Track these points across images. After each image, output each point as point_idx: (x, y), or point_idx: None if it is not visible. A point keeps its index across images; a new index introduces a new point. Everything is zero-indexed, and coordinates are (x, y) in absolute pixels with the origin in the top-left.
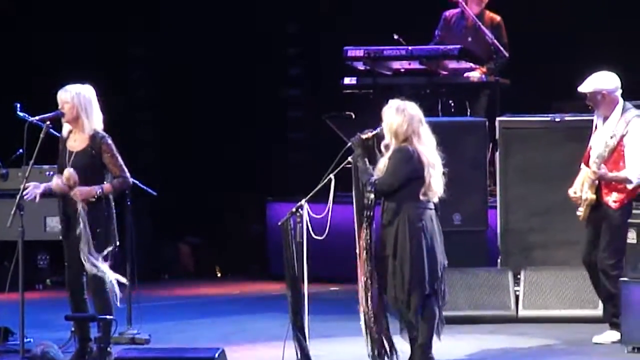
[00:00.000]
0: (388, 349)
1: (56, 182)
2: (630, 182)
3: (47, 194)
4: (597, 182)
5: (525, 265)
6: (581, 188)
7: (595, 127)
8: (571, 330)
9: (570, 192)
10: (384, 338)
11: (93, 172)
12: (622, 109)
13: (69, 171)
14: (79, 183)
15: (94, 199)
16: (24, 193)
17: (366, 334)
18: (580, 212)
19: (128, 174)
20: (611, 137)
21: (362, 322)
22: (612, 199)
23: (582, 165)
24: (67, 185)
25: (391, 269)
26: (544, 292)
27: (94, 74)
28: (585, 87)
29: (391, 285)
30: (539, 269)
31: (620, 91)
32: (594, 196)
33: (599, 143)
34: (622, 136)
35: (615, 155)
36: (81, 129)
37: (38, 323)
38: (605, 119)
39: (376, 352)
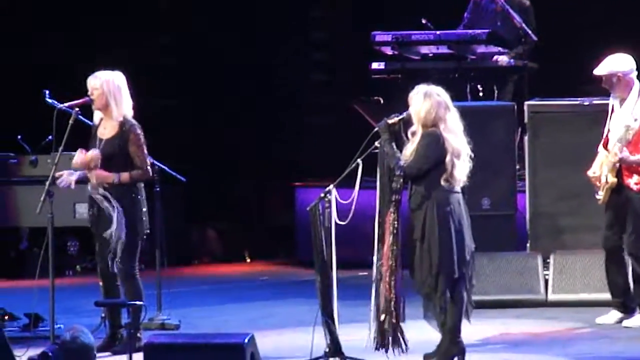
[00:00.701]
0: (400, 337)
1: (77, 157)
2: None
3: (81, 181)
4: (617, 165)
5: (555, 250)
6: (600, 170)
7: (612, 110)
8: (601, 314)
9: (590, 172)
10: (399, 325)
11: (120, 159)
12: (639, 91)
13: (94, 152)
14: (104, 168)
15: (115, 185)
16: (59, 181)
17: (378, 320)
18: (600, 196)
19: (149, 167)
20: (635, 120)
21: (372, 308)
22: (634, 181)
23: (600, 149)
24: (88, 165)
25: (419, 252)
26: (573, 276)
27: (125, 60)
28: (601, 69)
29: (418, 269)
30: (568, 253)
31: (635, 73)
32: (615, 179)
33: (617, 126)
34: (636, 119)
35: (635, 138)
36: (110, 115)
37: (68, 309)
38: (622, 101)
39: (387, 341)
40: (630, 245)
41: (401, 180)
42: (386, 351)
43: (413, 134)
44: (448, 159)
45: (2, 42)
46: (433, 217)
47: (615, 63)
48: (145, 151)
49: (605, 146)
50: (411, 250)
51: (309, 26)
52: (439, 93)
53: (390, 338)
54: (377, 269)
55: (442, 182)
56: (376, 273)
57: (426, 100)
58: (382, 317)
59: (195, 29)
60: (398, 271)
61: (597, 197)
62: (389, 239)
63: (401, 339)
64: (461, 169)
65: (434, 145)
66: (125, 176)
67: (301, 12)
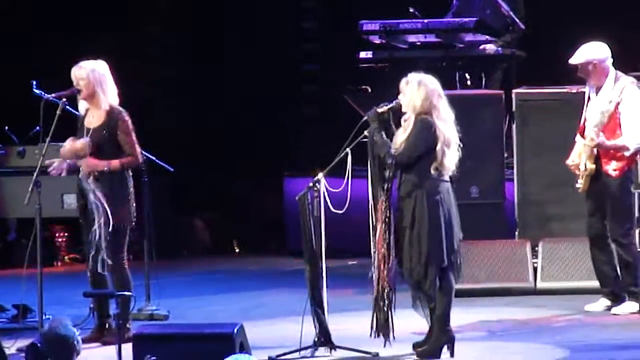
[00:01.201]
0: (391, 326)
1: (65, 146)
2: (628, 149)
3: (72, 170)
4: (595, 152)
5: (543, 237)
6: (579, 158)
7: (588, 99)
8: (590, 301)
9: (569, 161)
10: (390, 313)
11: (109, 147)
12: (614, 78)
13: (83, 142)
14: (94, 157)
15: (103, 173)
16: (50, 168)
17: (380, 308)
18: (580, 184)
19: (139, 153)
20: (609, 102)
21: (377, 297)
22: (612, 167)
23: (577, 138)
24: (77, 154)
25: (407, 240)
26: (562, 263)
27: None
28: (576, 58)
29: (407, 257)
30: (557, 240)
31: (611, 60)
32: (593, 166)
33: (594, 113)
34: (617, 103)
35: (611, 124)
36: (97, 105)
37: (57, 300)
38: (598, 89)
39: (385, 327)
40: (612, 231)
41: (393, 168)
42: (385, 340)
43: (405, 121)
44: (439, 147)
45: None
46: (423, 205)
47: (591, 51)
48: (134, 138)
49: (582, 134)
50: (400, 239)
51: (299, 17)
52: (432, 81)
53: (383, 327)
54: (374, 257)
55: (432, 171)
56: (373, 262)
57: (420, 89)
58: (379, 306)
59: (183, 19)
60: (391, 260)
61: (577, 185)
62: (381, 227)
63: (391, 327)
64: (451, 157)
65: (425, 132)
66: (115, 163)
67: (292, 3)
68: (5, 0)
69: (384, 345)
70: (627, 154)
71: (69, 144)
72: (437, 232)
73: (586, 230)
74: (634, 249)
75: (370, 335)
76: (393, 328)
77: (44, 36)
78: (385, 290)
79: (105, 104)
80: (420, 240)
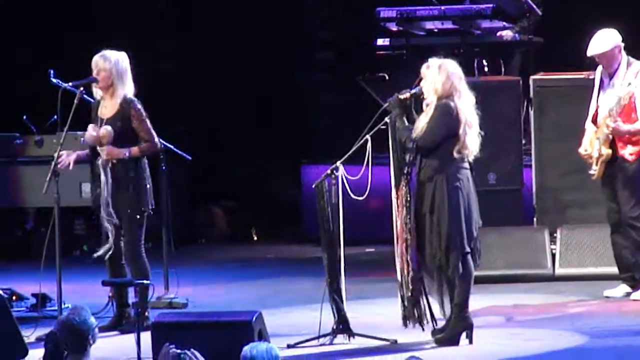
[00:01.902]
0: (427, 311)
1: (90, 133)
2: None
3: (81, 161)
4: (610, 137)
5: (561, 224)
6: (591, 146)
7: (601, 84)
8: (609, 287)
9: (581, 150)
10: (422, 299)
11: (124, 137)
12: (627, 62)
13: (106, 129)
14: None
15: (123, 160)
16: (58, 161)
17: (403, 296)
18: (595, 170)
19: (156, 139)
20: (628, 86)
21: (399, 283)
22: (628, 152)
23: (588, 124)
24: (99, 140)
25: (428, 225)
26: (580, 250)
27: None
28: (603, 46)
29: (428, 242)
30: (575, 227)
31: (622, 44)
32: (609, 151)
33: (608, 99)
34: (630, 86)
35: (626, 108)
36: (113, 95)
37: (75, 289)
38: (611, 75)
39: (414, 314)
40: (626, 215)
41: (414, 153)
42: (413, 325)
43: (428, 105)
44: (461, 129)
45: (6, 23)
46: (443, 191)
47: (614, 36)
48: (149, 124)
49: (594, 121)
50: (420, 224)
51: (315, 5)
52: (453, 65)
53: (414, 313)
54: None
55: (455, 154)
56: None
57: (442, 72)
58: (403, 292)
59: (197, 7)
60: (414, 245)
61: (591, 172)
62: (402, 212)
63: (427, 312)
64: (473, 139)
65: (447, 117)
66: (135, 150)
67: None
68: None
69: (423, 330)
70: None
71: (93, 130)
72: (457, 218)
73: (607, 216)
74: None
75: (404, 324)
76: (431, 312)
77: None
78: (410, 275)
79: (120, 96)
80: (440, 225)
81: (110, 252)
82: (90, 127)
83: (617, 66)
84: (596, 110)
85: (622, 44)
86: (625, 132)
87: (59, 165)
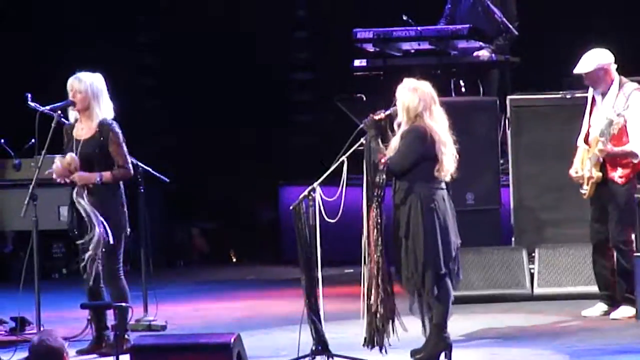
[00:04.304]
0: (391, 332)
1: (56, 165)
2: (636, 156)
3: (65, 184)
4: (601, 159)
5: (540, 243)
6: (582, 167)
7: (592, 104)
8: (587, 306)
9: (572, 172)
10: (392, 320)
11: (100, 159)
12: (619, 83)
13: (71, 156)
14: (84, 170)
15: (96, 185)
16: (54, 176)
17: (369, 317)
18: (585, 190)
19: (130, 165)
20: (618, 115)
21: (364, 305)
22: (618, 174)
23: (580, 143)
24: (68, 169)
25: (404, 249)
26: (558, 269)
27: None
28: (586, 66)
29: (405, 266)
30: (553, 246)
31: (615, 65)
32: (600, 174)
33: (600, 120)
34: (623, 111)
35: (620, 133)
36: (90, 117)
37: (54, 312)
38: (603, 94)
39: (378, 337)
40: (614, 238)
41: (384, 175)
42: (380, 348)
43: (399, 125)
44: (437, 148)
45: None
46: (417, 213)
47: (600, 57)
48: (125, 149)
49: (586, 141)
50: (396, 247)
51: (292, 25)
52: (426, 86)
53: (382, 334)
54: (367, 266)
55: (435, 173)
56: (365, 271)
57: (412, 92)
58: (373, 314)
59: (177, 27)
60: (385, 267)
61: (582, 191)
62: (373, 235)
63: (391, 332)
64: (449, 159)
65: (418, 141)
66: (107, 175)
67: (285, 12)
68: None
69: (384, 351)
70: (635, 161)
71: (57, 164)
72: (433, 240)
73: (590, 235)
74: (633, 256)
75: (364, 345)
76: (389, 335)
77: (39, 48)
78: (380, 297)
79: (97, 117)
80: (416, 248)
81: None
82: (57, 158)
83: (609, 87)
84: (588, 130)
85: (612, 65)
86: (618, 154)
87: (58, 180)
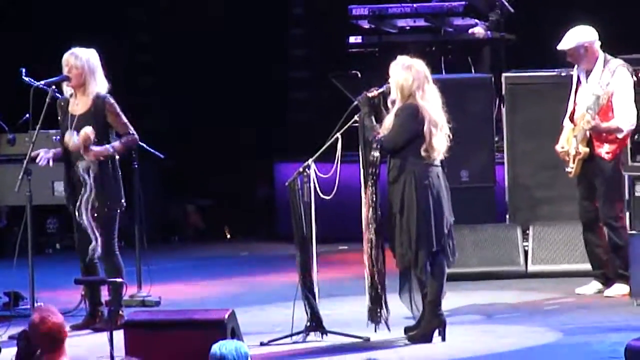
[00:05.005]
0: (386, 310)
1: (73, 141)
2: (622, 130)
3: (57, 159)
4: (588, 135)
5: (534, 221)
6: (568, 144)
7: (578, 83)
8: (580, 284)
9: (558, 147)
10: (384, 298)
11: (98, 133)
12: (604, 60)
13: (86, 131)
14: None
15: (101, 159)
16: (38, 159)
17: (370, 295)
18: (572, 168)
19: (134, 131)
20: (606, 85)
21: (366, 282)
22: (605, 150)
23: (566, 122)
24: (84, 144)
25: (398, 226)
26: (552, 247)
27: (98, 38)
28: (567, 43)
29: (398, 243)
30: (547, 224)
31: (599, 43)
32: (587, 149)
33: (585, 97)
34: (608, 84)
35: (604, 107)
36: (85, 92)
37: (48, 287)
38: (588, 72)
39: (376, 314)
40: (604, 215)
41: (378, 153)
42: (377, 324)
43: (392, 102)
44: (426, 127)
45: None
46: (411, 190)
47: (581, 34)
48: (124, 118)
49: (572, 119)
50: (390, 224)
51: (288, 2)
52: (420, 64)
53: (379, 312)
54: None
55: (422, 153)
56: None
57: (406, 70)
58: (367, 291)
59: (172, 10)
60: (379, 245)
61: (568, 170)
62: (367, 212)
63: (385, 313)
64: (439, 139)
65: (410, 118)
66: (118, 145)
67: None
68: None
69: (375, 330)
70: (620, 135)
71: (75, 137)
72: (426, 217)
73: (579, 213)
74: (625, 232)
75: (368, 322)
76: (387, 312)
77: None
78: (375, 276)
79: (92, 93)
80: (409, 225)
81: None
82: (67, 135)
83: (594, 64)
84: (574, 108)
85: (596, 43)
86: (604, 130)
87: (41, 164)
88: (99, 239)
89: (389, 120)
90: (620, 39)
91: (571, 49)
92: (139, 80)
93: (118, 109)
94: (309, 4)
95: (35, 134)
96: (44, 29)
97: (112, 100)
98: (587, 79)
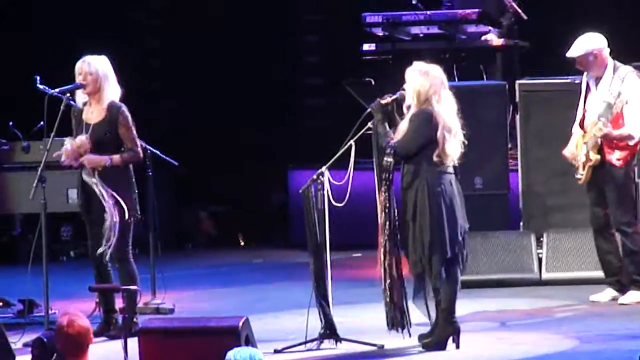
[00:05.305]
0: (405, 317)
1: (66, 148)
2: (633, 138)
3: (71, 167)
4: (599, 142)
5: (548, 228)
6: (577, 149)
7: (587, 90)
8: (595, 291)
9: (565, 152)
10: (403, 304)
11: (110, 143)
12: (614, 67)
13: (81, 139)
14: (95, 153)
15: (107, 168)
16: (62, 160)
17: (386, 301)
18: (582, 175)
19: (140, 149)
20: (617, 95)
21: (383, 289)
22: (616, 157)
23: (575, 129)
24: (78, 152)
25: (411, 233)
26: (566, 254)
27: (110, 44)
28: (576, 50)
29: (412, 250)
30: (561, 231)
31: (608, 50)
32: (598, 156)
33: (596, 104)
34: (620, 93)
35: (615, 115)
36: (99, 100)
37: (62, 295)
38: (598, 79)
39: (394, 320)
40: (616, 221)
41: (391, 158)
42: (397, 331)
43: (408, 108)
44: (439, 133)
45: None
46: (424, 197)
47: (590, 42)
48: (135, 133)
49: (582, 126)
50: (404, 231)
51: (302, 9)
52: (436, 70)
53: (394, 319)
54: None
55: (435, 158)
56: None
57: (423, 76)
58: (385, 299)
59: (183, 16)
60: (394, 251)
61: (578, 176)
62: (381, 218)
63: (404, 319)
64: (453, 145)
65: (424, 124)
66: (116, 158)
67: None
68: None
69: (403, 337)
70: (631, 143)
71: (69, 144)
72: (439, 224)
73: (590, 220)
74: (638, 237)
75: (389, 328)
76: (409, 319)
77: (49, 32)
78: (388, 282)
79: (106, 100)
80: (422, 232)
81: (107, 253)
82: (67, 140)
83: (603, 71)
84: (583, 115)
85: (605, 50)
86: (616, 137)
87: (64, 163)
88: (113, 242)
89: (403, 126)
90: (631, 46)
91: (580, 56)
92: (147, 84)
93: (130, 123)
94: (323, 11)
95: (50, 142)
96: (44, 29)
97: (126, 113)
98: (596, 86)
